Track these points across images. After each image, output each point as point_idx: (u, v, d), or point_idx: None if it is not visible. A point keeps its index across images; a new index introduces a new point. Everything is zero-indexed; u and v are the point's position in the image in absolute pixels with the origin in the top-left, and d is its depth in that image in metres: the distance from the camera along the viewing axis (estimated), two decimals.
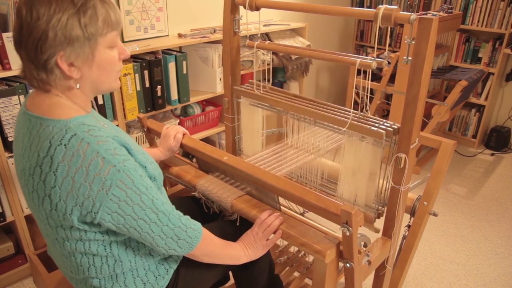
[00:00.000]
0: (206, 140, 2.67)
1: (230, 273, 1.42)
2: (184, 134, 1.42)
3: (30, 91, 0.97)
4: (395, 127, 1.20)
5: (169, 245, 0.97)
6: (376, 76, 3.21)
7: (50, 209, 0.87)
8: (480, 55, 3.22)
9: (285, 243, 1.82)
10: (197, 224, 1.02)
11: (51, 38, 0.80)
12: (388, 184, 1.25)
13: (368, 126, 1.21)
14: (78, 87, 0.89)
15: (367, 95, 1.25)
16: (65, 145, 0.83)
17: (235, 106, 1.64)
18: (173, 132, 1.41)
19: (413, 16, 1.01)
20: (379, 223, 1.33)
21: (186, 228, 0.98)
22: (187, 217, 1.01)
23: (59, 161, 0.82)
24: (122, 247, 0.98)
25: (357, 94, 3.14)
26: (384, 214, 1.30)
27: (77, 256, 0.95)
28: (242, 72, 2.49)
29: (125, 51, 0.93)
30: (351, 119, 1.25)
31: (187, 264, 1.11)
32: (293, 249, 1.85)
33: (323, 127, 1.37)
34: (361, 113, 1.27)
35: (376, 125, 1.22)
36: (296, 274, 1.74)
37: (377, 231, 1.38)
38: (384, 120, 1.23)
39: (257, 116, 1.61)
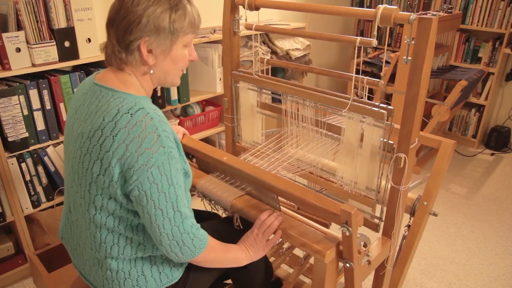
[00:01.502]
0: (206, 140, 2.67)
1: None
2: (184, 134, 1.43)
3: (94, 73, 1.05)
4: (391, 108, 1.18)
5: (172, 247, 0.97)
6: (376, 76, 3.21)
7: (98, 173, 0.92)
8: (480, 55, 3.22)
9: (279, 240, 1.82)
10: (204, 235, 1.02)
11: (143, 24, 0.91)
12: (388, 184, 1.25)
13: (369, 107, 1.20)
14: (151, 72, 0.99)
15: (366, 95, 1.25)
16: (131, 114, 0.90)
17: (234, 91, 1.62)
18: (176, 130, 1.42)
19: (413, 16, 1.01)
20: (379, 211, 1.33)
21: (194, 237, 0.99)
22: (198, 226, 1.02)
23: (121, 127, 0.89)
24: (148, 232, 1.00)
25: (357, 94, 3.13)
26: (384, 214, 1.30)
27: (103, 232, 0.98)
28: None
29: (194, 53, 1.04)
30: (351, 100, 1.23)
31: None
32: (287, 245, 1.85)
33: (324, 108, 1.33)
34: (360, 98, 1.25)
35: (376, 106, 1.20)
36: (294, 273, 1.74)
37: (376, 228, 1.38)
38: (381, 104, 1.22)
39: (253, 99, 1.59)
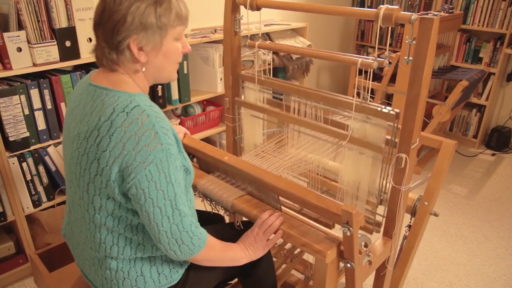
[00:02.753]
0: (207, 140, 2.67)
1: None
2: (185, 134, 1.43)
3: (91, 72, 1.04)
4: (398, 111, 1.19)
5: (171, 245, 0.96)
6: (377, 76, 3.21)
7: (95, 173, 0.92)
8: (481, 55, 3.22)
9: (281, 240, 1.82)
10: (203, 233, 1.02)
11: (129, 22, 0.89)
12: (389, 184, 1.25)
13: (376, 107, 1.20)
14: (144, 70, 0.97)
15: (367, 95, 1.24)
16: (127, 112, 0.89)
17: (240, 89, 1.62)
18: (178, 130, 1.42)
19: (414, 16, 1.01)
20: (380, 211, 1.33)
21: (193, 235, 0.98)
22: (197, 224, 1.01)
23: (117, 126, 0.88)
24: (148, 233, 0.99)
25: (358, 94, 3.13)
26: (385, 214, 1.30)
27: (103, 232, 0.98)
28: (242, 72, 2.49)
29: (187, 45, 1.02)
30: (355, 102, 1.23)
31: (196, 265, 1.11)
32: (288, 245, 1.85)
33: (328, 107, 1.34)
34: (363, 100, 1.25)
35: (379, 109, 1.21)
36: (296, 273, 1.74)
37: (378, 230, 1.38)
38: (383, 106, 1.22)
39: (259, 99, 1.59)
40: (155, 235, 0.95)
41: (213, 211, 1.42)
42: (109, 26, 0.91)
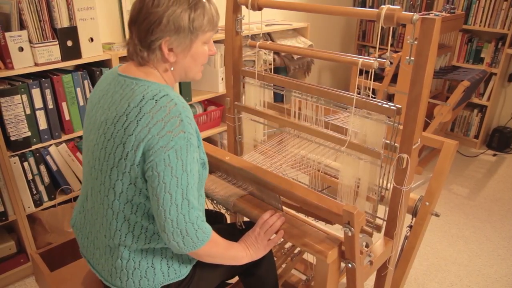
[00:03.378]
0: (208, 139, 2.67)
1: None
2: None
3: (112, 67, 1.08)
4: (399, 106, 1.18)
5: (175, 236, 0.96)
6: (378, 76, 3.21)
7: (120, 157, 0.95)
8: (482, 55, 3.22)
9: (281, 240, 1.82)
10: (208, 228, 1.02)
11: (163, 24, 0.94)
12: (390, 184, 1.25)
13: (377, 103, 1.20)
14: (172, 69, 1.02)
15: (369, 96, 1.24)
16: (156, 100, 0.93)
17: (241, 86, 1.62)
18: None
19: (416, 16, 1.01)
20: (381, 213, 1.33)
21: (198, 228, 0.98)
22: (204, 218, 1.02)
23: (146, 111, 0.92)
24: None
25: (359, 94, 3.13)
26: (386, 214, 1.30)
27: (120, 219, 1.00)
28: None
29: (213, 48, 1.08)
30: (355, 97, 1.23)
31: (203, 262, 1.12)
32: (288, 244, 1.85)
33: (328, 106, 1.34)
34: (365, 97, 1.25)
35: (380, 104, 1.20)
36: (296, 273, 1.74)
37: (379, 229, 1.38)
38: (385, 101, 1.22)
39: (259, 97, 1.59)
40: (161, 223, 0.95)
41: (215, 209, 1.42)
42: (144, 26, 0.95)
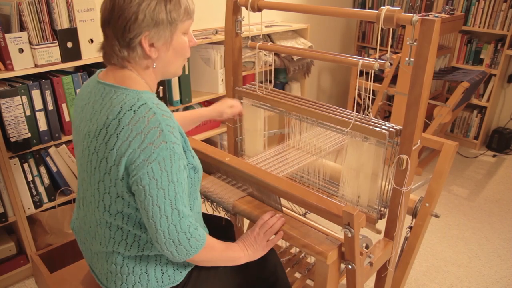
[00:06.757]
0: (208, 141, 2.67)
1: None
2: (240, 113, 1.53)
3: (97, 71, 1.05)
4: (397, 128, 1.20)
5: (168, 246, 0.96)
6: (378, 77, 3.21)
7: (104, 172, 0.93)
8: (482, 56, 3.22)
9: (287, 244, 1.82)
10: (202, 235, 1.01)
11: (140, 19, 0.90)
12: (390, 185, 1.25)
13: (371, 127, 1.21)
14: (154, 66, 0.99)
15: (369, 97, 1.25)
16: (134, 111, 0.90)
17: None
18: (233, 102, 1.52)
19: (416, 17, 1.01)
20: (381, 225, 1.33)
21: (191, 237, 0.98)
22: (197, 225, 1.00)
23: (125, 124, 0.90)
24: None
25: (359, 95, 3.13)
26: (386, 216, 1.30)
27: (113, 228, 0.99)
28: (244, 73, 2.49)
29: (193, 38, 1.04)
30: (354, 120, 1.24)
31: (200, 267, 1.12)
32: (295, 249, 1.85)
33: (326, 128, 1.37)
34: (363, 115, 1.27)
35: (378, 125, 1.22)
36: (297, 275, 1.74)
37: (379, 232, 1.38)
38: (385, 122, 1.23)
39: (259, 117, 1.61)
40: (153, 234, 0.95)
41: (214, 213, 1.42)
42: (120, 24, 0.91)
